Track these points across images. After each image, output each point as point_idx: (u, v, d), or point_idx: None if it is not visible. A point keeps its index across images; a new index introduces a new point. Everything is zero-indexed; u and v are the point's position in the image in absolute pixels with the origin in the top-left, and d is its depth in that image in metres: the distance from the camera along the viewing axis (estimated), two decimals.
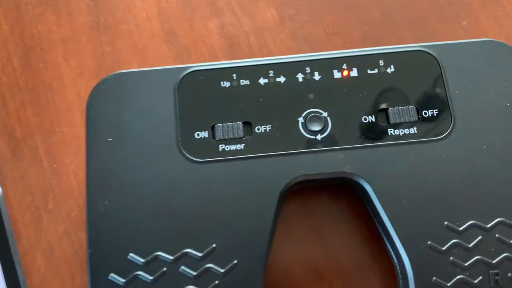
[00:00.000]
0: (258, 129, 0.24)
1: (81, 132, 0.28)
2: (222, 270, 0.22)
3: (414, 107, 0.24)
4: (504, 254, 0.22)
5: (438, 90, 0.24)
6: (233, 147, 0.24)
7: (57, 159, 0.27)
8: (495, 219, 0.22)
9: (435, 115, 0.24)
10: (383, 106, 0.24)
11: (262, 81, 0.25)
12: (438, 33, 0.29)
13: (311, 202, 0.26)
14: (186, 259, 0.22)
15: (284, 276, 0.25)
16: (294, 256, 0.25)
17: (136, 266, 0.22)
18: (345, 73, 0.25)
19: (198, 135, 0.24)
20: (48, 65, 0.29)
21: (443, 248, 0.22)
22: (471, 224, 0.22)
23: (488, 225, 0.22)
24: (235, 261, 0.22)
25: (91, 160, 0.23)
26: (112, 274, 0.22)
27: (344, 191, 0.26)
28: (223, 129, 0.24)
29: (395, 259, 0.23)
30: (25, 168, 0.27)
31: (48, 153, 0.27)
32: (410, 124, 0.24)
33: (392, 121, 0.24)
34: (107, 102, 0.24)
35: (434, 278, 0.22)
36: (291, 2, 0.30)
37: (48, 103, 0.28)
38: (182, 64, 0.28)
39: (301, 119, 0.24)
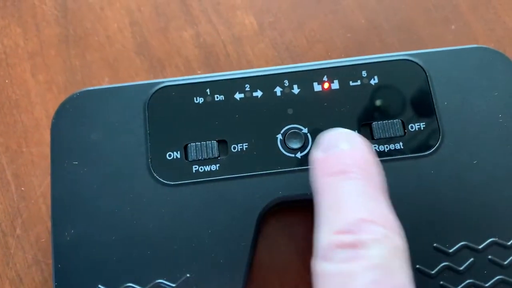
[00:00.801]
0: (234, 148, 0.22)
1: (49, 151, 0.26)
2: None
3: (400, 121, 0.23)
4: (498, 277, 0.21)
5: (425, 101, 0.23)
6: (207, 168, 0.22)
7: (25, 181, 0.26)
8: (488, 239, 0.21)
9: (422, 128, 0.23)
10: (366, 120, 0.23)
11: (238, 96, 0.23)
12: (425, 39, 0.28)
13: (292, 221, 0.25)
14: None
15: None
16: (276, 282, 0.24)
17: None
18: (326, 85, 0.23)
19: (170, 155, 0.22)
20: (14, 81, 0.27)
21: (433, 272, 0.21)
22: (462, 246, 0.21)
23: (480, 246, 0.21)
24: None
25: (55, 185, 0.22)
26: None
27: None
28: (197, 148, 0.22)
29: None
30: None
31: (15, 176, 0.26)
32: (395, 139, 0.22)
33: (376, 136, 0.22)
34: (72, 122, 0.23)
35: None
36: (271, 8, 0.28)
37: (14, 122, 0.27)
38: (156, 77, 0.27)
39: (279, 136, 0.23)
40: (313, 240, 0.17)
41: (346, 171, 0.18)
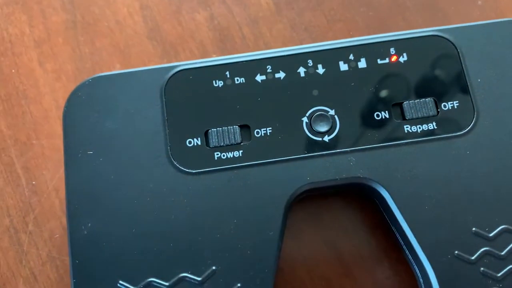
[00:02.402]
0: (258, 132, 0.21)
1: (61, 143, 0.24)
2: None
3: (432, 100, 0.21)
4: None
5: (457, 79, 0.22)
6: (230, 155, 0.21)
7: (36, 175, 0.24)
8: None
9: (455, 107, 0.21)
10: (397, 100, 0.21)
11: (259, 78, 0.22)
12: (451, 15, 0.27)
13: (319, 209, 0.23)
14: (183, 284, 0.20)
15: None
16: (303, 271, 0.23)
17: None
18: (353, 64, 0.22)
19: (190, 142, 0.21)
20: (21, 70, 0.26)
21: (472, 258, 0.20)
22: (502, 229, 0.20)
23: None
24: (239, 285, 0.19)
25: (70, 176, 0.21)
26: None
27: (357, 197, 0.23)
28: (218, 134, 0.21)
29: (418, 271, 0.21)
30: (0, 187, 0.24)
31: (26, 169, 0.25)
32: (428, 119, 0.21)
33: (408, 116, 0.21)
34: (85, 110, 0.22)
35: None
36: None
37: (23, 113, 0.25)
38: (169, 62, 0.26)
39: (305, 119, 0.21)
40: None
41: None
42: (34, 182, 0.24)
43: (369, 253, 0.23)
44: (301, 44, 0.26)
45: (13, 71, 0.26)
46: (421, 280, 0.21)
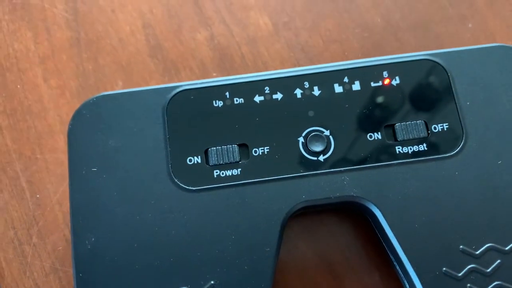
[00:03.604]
0: (256, 151, 0.22)
1: (64, 158, 0.26)
2: None
3: (423, 122, 0.22)
4: None
5: (447, 102, 0.23)
6: (229, 173, 0.22)
7: (40, 188, 0.25)
8: None
9: (445, 129, 0.22)
10: (389, 121, 0.22)
11: (257, 98, 0.23)
12: (442, 37, 0.27)
13: (314, 226, 0.24)
14: None
15: None
16: (299, 284, 0.23)
17: None
18: (347, 86, 0.23)
19: (190, 160, 0.22)
20: (26, 86, 0.27)
21: (460, 275, 0.21)
22: (488, 247, 0.21)
23: (507, 248, 0.21)
24: None
25: (74, 192, 0.22)
26: None
27: (351, 214, 0.24)
28: (218, 153, 0.22)
29: (407, 286, 0.22)
30: (5, 200, 0.25)
31: (30, 183, 0.25)
32: (419, 141, 0.22)
33: (399, 137, 0.22)
34: (89, 128, 0.22)
35: None
36: (285, 8, 0.28)
37: (28, 128, 0.26)
38: (170, 80, 0.26)
39: (301, 139, 0.22)
40: None
41: None
42: (38, 196, 0.25)
43: (361, 267, 0.23)
44: (298, 63, 0.27)
45: (18, 86, 0.27)
46: None
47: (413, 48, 0.27)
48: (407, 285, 0.22)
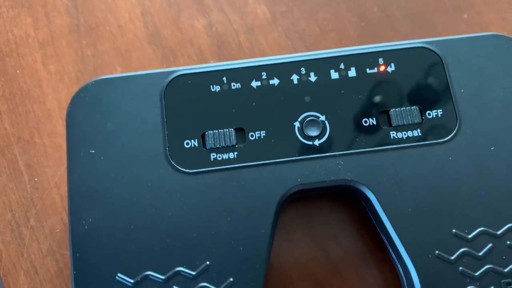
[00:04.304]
0: (252, 135, 0.22)
1: (63, 142, 0.26)
2: None
3: (417, 108, 0.23)
4: None
5: (441, 88, 0.23)
6: (225, 156, 0.22)
7: (38, 172, 0.25)
8: (506, 225, 0.21)
9: (439, 115, 0.23)
10: (384, 107, 0.23)
11: (254, 84, 0.23)
12: (438, 27, 0.28)
13: (310, 210, 0.25)
14: (178, 278, 0.21)
15: None
16: (293, 268, 0.24)
17: (125, 287, 0.21)
18: (343, 73, 0.23)
19: (187, 144, 0.22)
20: (25, 71, 0.27)
21: (452, 258, 0.21)
22: (480, 231, 0.21)
23: (499, 232, 0.21)
24: (231, 279, 0.21)
25: (72, 174, 0.22)
26: None
27: (345, 199, 0.24)
28: (214, 136, 0.22)
29: (401, 270, 0.22)
30: (4, 183, 0.25)
31: (28, 166, 0.26)
32: (413, 126, 0.22)
33: (394, 123, 0.22)
34: (88, 111, 0.23)
35: None
36: None
37: (26, 112, 0.26)
38: (168, 67, 0.27)
39: (297, 124, 0.22)
40: None
41: None
42: (36, 179, 0.25)
43: (356, 252, 0.24)
44: (295, 52, 0.27)
45: (17, 71, 0.27)
46: (404, 278, 0.22)
47: (408, 38, 0.27)
48: (401, 269, 0.22)
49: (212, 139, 0.22)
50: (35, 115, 0.26)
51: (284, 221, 0.24)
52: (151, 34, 0.28)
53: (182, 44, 0.27)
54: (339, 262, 0.24)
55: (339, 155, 0.22)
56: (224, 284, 0.20)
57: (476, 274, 0.21)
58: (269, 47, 0.27)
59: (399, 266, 0.22)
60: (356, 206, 0.24)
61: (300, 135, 0.22)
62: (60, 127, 0.26)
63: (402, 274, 0.22)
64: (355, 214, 0.24)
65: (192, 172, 0.22)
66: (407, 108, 0.23)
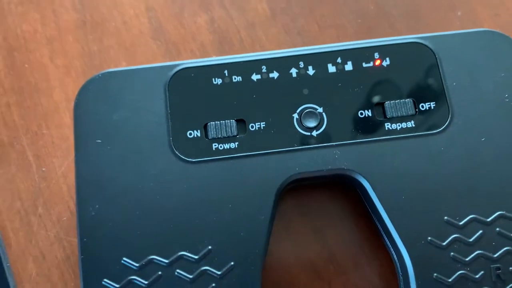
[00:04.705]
0: (252, 126, 0.23)
1: (70, 133, 0.27)
2: (219, 273, 0.21)
3: (411, 100, 0.24)
4: (505, 248, 0.22)
5: (434, 82, 0.24)
6: (226, 146, 0.23)
7: (46, 162, 0.26)
8: (495, 212, 0.22)
9: (432, 108, 0.23)
10: (379, 100, 0.24)
11: (255, 77, 0.24)
12: (433, 24, 0.29)
13: (308, 200, 0.26)
14: (181, 262, 0.22)
15: (282, 276, 0.24)
16: (292, 256, 0.25)
17: (130, 270, 0.21)
18: (340, 67, 0.24)
19: (190, 134, 0.23)
20: (33, 65, 0.28)
21: (444, 244, 0.22)
22: (471, 219, 0.22)
23: (489, 219, 0.22)
24: (232, 263, 0.21)
25: (80, 163, 0.23)
26: (105, 280, 0.21)
27: (342, 188, 0.25)
28: (216, 127, 0.23)
29: (395, 256, 0.23)
30: (12, 173, 0.26)
31: (37, 157, 0.26)
32: (407, 118, 0.23)
33: (388, 115, 0.23)
34: (95, 103, 0.24)
35: (435, 274, 0.21)
36: None
37: (34, 105, 0.27)
38: (171, 61, 0.27)
39: (296, 116, 0.23)
40: None
41: None
42: (44, 169, 0.26)
43: (352, 239, 0.25)
44: (294, 47, 0.28)
45: (26, 66, 0.28)
46: (397, 263, 0.23)
47: (404, 34, 0.28)
48: (395, 255, 0.23)
49: (214, 130, 0.23)
50: (43, 108, 0.27)
51: (283, 210, 0.25)
52: (155, 29, 0.29)
53: (185, 39, 0.28)
54: (336, 249, 0.25)
55: (336, 145, 0.23)
56: (225, 268, 0.21)
57: (467, 259, 0.22)
58: (269, 42, 0.28)
59: (393, 252, 0.23)
60: (353, 196, 0.25)
61: (298, 126, 0.23)
62: (67, 119, 0.27)
63: (396, 260, 0.23)
64: (352, 203, 0.25)
65: (195, 161, 0.23)
66: (401, 100, 0.23)
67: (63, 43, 0.28)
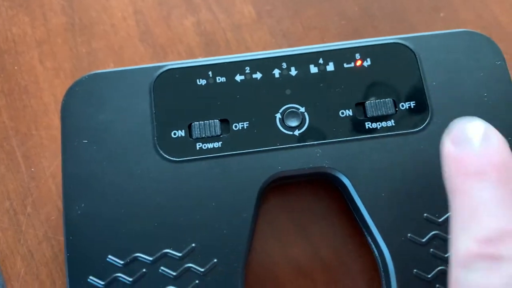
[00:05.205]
0: (236, 126, 0.24)
1: (58, 134, 0.27)
2: (202, 270, 0.22)
3: (391, 100, 0.24)
4: None
5: (415, 82, 0.24)
6: (210, 145, 0.23)
7: (35, 162, 0.27)
8: None
9: (412, 107, 0.24)
10: (360, 99, 0.24)
11: (238, 77, 0.24)
12: (416, 25, 0.29)
13: (292, 197, 0.26)
14: (165, 259, 0.22)
15: (266, 274, 0.25)
16: (276, 253, 0.25)
17: (115, 268, 0.22)
18: (322, 67, 0.24)
19: (175, 134, 0.24)
20: (23, 67, 0.28)
21: (423, 240, 0.22)
22: (450, 215, 0.22)
23: None
24: (215, 260, 0.22)
25: (66, 162, 0.23)
26: (91, 277, 0.22)
27: (326, 186, 0.26)
28: (200, 127, 0.24)
29: (376, 252, 0.23)
30: (2, 173, 0.27)
31: (26, 157, 0.27)
32: (387, 117, 0.24)
33: (369, 114, 0.24)
34: (82, 103, 0.24)
35: (415, 270, 0.22)
36: None
37: (24, 107, 0.28)
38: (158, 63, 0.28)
39: (278, 115, 0.24)
40: (450, 243, 0.17)
41: (482, 173, 0.16)
42: (33, 169, 0.27)
43: (336, 237, 0.25)
44: (279, 48, 0.28)
45: (15, 68, 0.28)
46: (379, 260, 0.23)
47: (388, 35, 0.28)
48: (376, 252, 0.23)
49: (198, 130, 0.24)
50: (32, 109, 0.28)
51: (268, 208, 0.26)
52: (143, 32, 0.29)
53: (172, 42, 0.29)
54: (320, 246, 0.25)
55: (317, 144, 0.23)
56: (209, 265, 0.22)
57: (446, 255, 0.22)
58: (254, 44, 0.29)
59: (374, 249, 0.23)
60: (336, 193, 0.25)
61: (281, 125, 0.24)
62: (56, 120, 0.28)
63: (378, 257, 0.23)
64: (335, 201, 0.26)
65: (179, 160, 0.23)
66: (381, 100, 0.24)
67: (52, 45, 0.29)
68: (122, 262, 0.22)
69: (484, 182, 0.16)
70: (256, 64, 0.25)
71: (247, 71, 0.25)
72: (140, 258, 0.22)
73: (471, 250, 0.16)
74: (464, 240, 0.16)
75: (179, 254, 0.22)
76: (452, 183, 0.17)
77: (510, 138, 0.23)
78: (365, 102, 0.24)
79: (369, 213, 0.22)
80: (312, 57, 0.25)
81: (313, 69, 0.24)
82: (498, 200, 0.16)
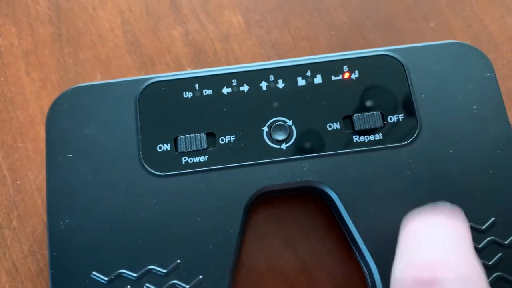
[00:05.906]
0: (222, 139, 0.23)
1: (45, 147, 0.27)
2: (188, 286, 0.21)
3: (379, 113, 0.24)
4: None
5: (403, 94, 0.24)
6: (196, 159, 0.23)
7: (20, 175, 0.27)
8: None
9: (400, 120, 0.24)
10: (348, 112, 0.24)
11: (225, 90, 0.24)
12: (406, 35, 0.29)
13: (280, 211, 0.26)
14: (150, 276, 0.22)
15: (254, 287, 0.24)
16: (263, 266, 0.25)
17: (99, 284, 0.22)
18: (309, 80, 0.24)
19: (160, 148, 0.23)
20: (9, 79, 0.28)
21: None
22: None
23: None
24: (200, 277, 0.22)
25: (51, 176, 0.23)
26: None
27: (313, 199, 0.25)
28: (186, 141, 0.23)
29: (364, 267, 0.23)
30: None
31: (12, 170, 0.27)
32: (375, 130, 0.24)
33: (357, 127, 0.24)
34: (66, 117, 0.24)
35: None
36: (257, 7, 0.30)
37: (10, 118, 0.28)
38: (147, 74, 0.28)
39: (265, 128, 0.24)
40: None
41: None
42: (18, 182, 0.26)
43: (324, 251, 0.25)
44: (268, 59, 0.28)
45: (1, 79, 0.28)
46: (367, 275, 0.23)
47: (378, 46, 0.28)
48: (363, 266, 0.23)
49: (184, 143, 0.23)
50: (18, 121, 0.27)
51: (256, 221, 0.25)
52: (131, 42, 0.29)
53: (160, 52, 0.29)
54: (308, 260, 0.25)
55: (305, 157, 0.23)
56: (194, 281, 0.22)
57: None
58: (243, 55, 0.28)
59: (362, 263, 0.23)
60: (324, 207, 0.25)
61: (268, 139, 0.23)
62: (42, 132, 0.27)
63: (366, 271, 0.23)
64: (323, 214, 0.25)
65: (164, 175, 0.23)
66: (369, 113, 0.24)
67: (39, 56, 0.29)
68: (106, 279, 0.22)
69: None
70: (243, 77, 0.24)
71: (234, 83, 0.24)
72: (125, 275, 0.22)
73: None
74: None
75: (164, 271, 0.22)
76: None
77: (499, 152, 0.23)
78: (353, 115, 0.24)
79: (356, 228, 0.22)
80: (299, 70, 0.24)
81: (301, 82, 0.24)
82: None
